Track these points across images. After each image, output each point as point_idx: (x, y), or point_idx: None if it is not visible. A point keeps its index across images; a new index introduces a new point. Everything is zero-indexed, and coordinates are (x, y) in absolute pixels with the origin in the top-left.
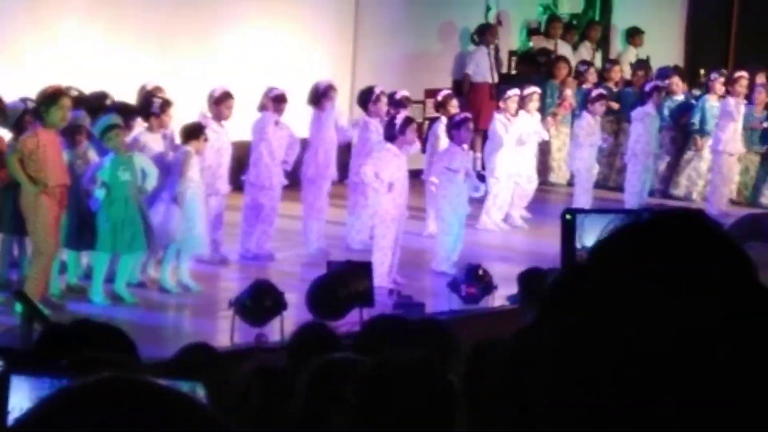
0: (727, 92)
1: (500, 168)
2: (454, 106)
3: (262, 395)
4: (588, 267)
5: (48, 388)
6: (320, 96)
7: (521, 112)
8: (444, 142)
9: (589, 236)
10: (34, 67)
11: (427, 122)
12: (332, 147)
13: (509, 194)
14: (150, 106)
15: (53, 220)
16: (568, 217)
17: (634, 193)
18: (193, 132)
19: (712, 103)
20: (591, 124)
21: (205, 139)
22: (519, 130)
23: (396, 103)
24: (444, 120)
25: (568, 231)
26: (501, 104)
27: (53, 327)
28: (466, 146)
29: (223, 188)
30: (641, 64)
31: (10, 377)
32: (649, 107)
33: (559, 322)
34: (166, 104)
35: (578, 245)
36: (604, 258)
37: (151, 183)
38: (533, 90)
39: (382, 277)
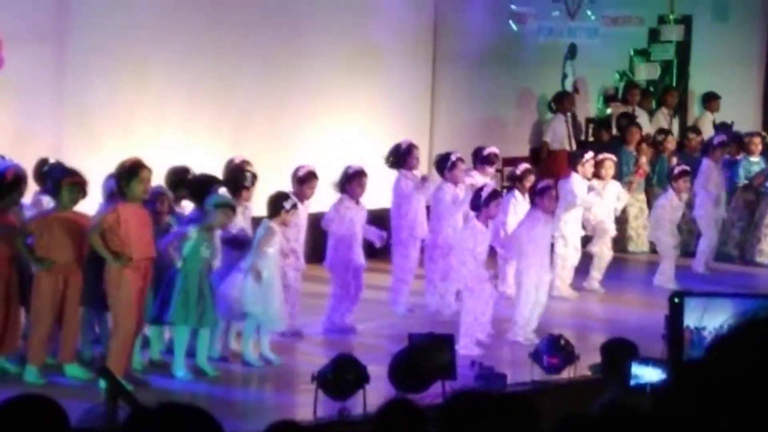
0: None
1: (569, 229)
2: (530, 180)
3: None
4: (708, 363)
5: None
6: (403, 155)
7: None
8: (514, 216)
9: (696, 317)
10: (112, 144)
11: (504, 191)
12: (421, 206)
13: (577, 257)
14: (241, 179)
15: (136, 294)
16: (676, 300)
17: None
18: (277, 204)
19: None
20: (675, 205)
21: (291, 210)
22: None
23: (483, 160)
24: (517, 194)
25: (676, 314)
26: (579, 168)
27: (139, 411)
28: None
29: (301, 264)
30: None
31: None
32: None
33: (676, 414)
34: (255, 178)
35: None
36: (725, 355)
37: (217, 262)
38: (606, 156)
39: (482, 327)
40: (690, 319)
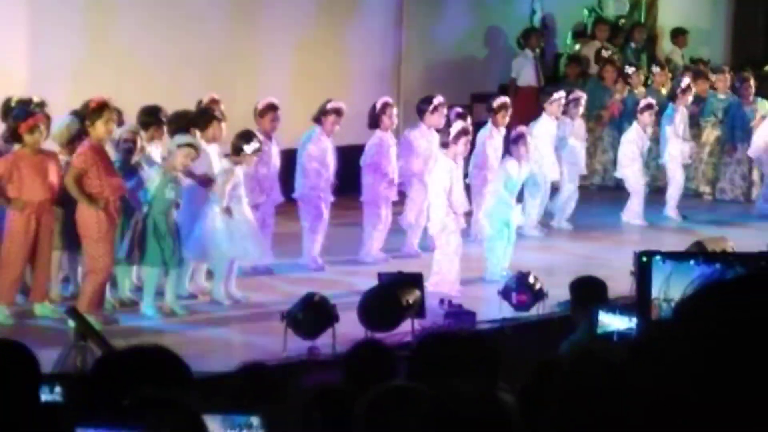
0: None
1: (538, 169)
2: (506, 116)
3: (322, 421)
4: (674, 324)
5: None
6: (378, 115)
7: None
8: (490, 150)
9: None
10: (83, 82)
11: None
12: (393, 163)
13: (546, 196)
14: (209, 113)
15: (109, 235)
16: (643, 259)
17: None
18: (238, 144)
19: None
20: (640, 136)
21: (253, 153)
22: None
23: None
24: (491, 127)
25: (644, 274)
26: (546, 106)
27: (107, 357)
28: (523, 161)
29: (276, 199)
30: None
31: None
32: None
33: (647, 378)
34: (223, 114)
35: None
36: (691, 315)
37: (182, 202)
38: (579, 95)
39: (451, 285)
40: (656, 289)
